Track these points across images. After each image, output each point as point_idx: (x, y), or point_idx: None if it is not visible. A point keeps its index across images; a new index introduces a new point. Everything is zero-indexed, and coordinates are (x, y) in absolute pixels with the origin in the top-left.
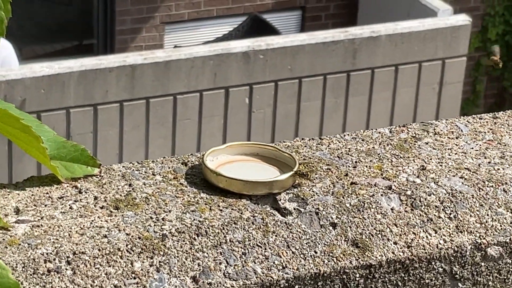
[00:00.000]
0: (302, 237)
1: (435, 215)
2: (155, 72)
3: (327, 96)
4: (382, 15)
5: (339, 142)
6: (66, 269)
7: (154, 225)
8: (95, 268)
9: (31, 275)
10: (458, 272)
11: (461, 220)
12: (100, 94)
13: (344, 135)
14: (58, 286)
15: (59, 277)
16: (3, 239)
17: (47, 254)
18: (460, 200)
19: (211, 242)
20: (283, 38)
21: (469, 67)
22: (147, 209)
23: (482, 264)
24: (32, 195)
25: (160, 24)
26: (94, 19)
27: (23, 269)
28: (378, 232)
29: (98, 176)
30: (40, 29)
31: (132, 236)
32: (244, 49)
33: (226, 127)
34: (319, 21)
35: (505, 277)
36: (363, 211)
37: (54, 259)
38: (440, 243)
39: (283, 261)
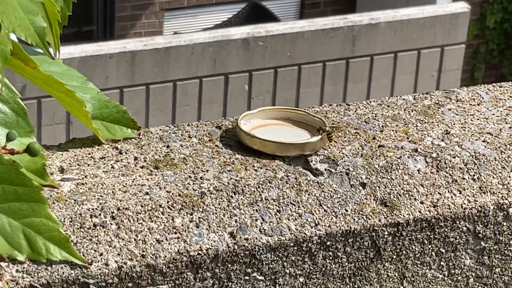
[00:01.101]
0: (333, 196)
1: (459, 176)
2: (155, 58)
3: (326, 83)
4: (381, 2)
5: (366, 108)
6: (111, 223)
7: (193, 184)
8: (138, 223)
9: (78, 229)
10: (481, 231)
11: (484, 181)
12: (100, 80)
13: (370, 102)
14: (104, 240)
15: (104, 231)
16: (50, 196)
17: (92, 209)
18: (483, 163)
19: (247, 200)
20: (282, 25)
21: (467, 55)
22: (185, 169)
23: (504, 223)
24: (75, 155)
25: (160, 11)
26: (94, 5)
27: (71, 223)
28: (405, 192)
29: (136, 138)
30: None
31: (172, 194)
32: (244, 35)
33: (225, 114)
34: (318, 8)
35: None
36: (391, 172)
37: (100, 214)
38: (464, 203)
39: (316, 218)
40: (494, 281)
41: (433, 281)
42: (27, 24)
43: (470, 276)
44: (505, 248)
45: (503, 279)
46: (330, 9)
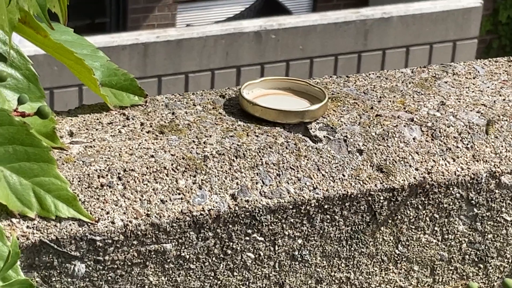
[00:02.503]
0: (331, 161)
1: (453, 145)
2: (167, 50)
3: None
4: None
5: (365, 80)
6: (117, 184)
7: (197, 148)
8: (144, 184)
9: (86, 188)
10: (474, 198)
11: (477, 150)
12: None
13: (369, 74)
14: (110, 199)
15: (111, 191)
16: (60, 157)
17: (100, 170)
18: (476, 132)
19: (248, 163)
20: (295, 18)
21: (480, 50)
22: (189, 134)
23: (496, 191)
24: (84, 120)
25: (173, 3)
26: None
27: (79, 183)
28: (401, 159)
29: (143, 105)
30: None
31: (176, 157)
32: (256, 28)
33: None
34: (331, 2)
35: None
36: (387, 139)
37: (107, 175)
38: (457, 171)
39: (314, 182)
40: (486, 247)
41: (427, 245)
42: None
43: (463, 242)
44: (497, 215)
45: (495, 245)
46: (343, 3)
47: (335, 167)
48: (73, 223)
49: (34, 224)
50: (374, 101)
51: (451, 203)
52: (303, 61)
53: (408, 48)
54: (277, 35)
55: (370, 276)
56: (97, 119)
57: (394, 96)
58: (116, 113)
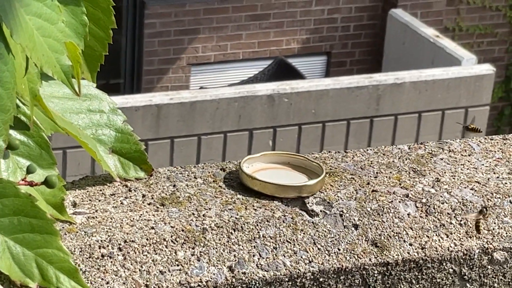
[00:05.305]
0: (327, 235)
1: (447, 221)
2: (180, 112)
3: (350, 141)
4: (407, 62)
5: (362, 155)
6: (118, 254)
7: (196, 220)
8: (143, 255)
9: (87, 258)
10: (466, 274)
11: (470, 227)
12: None
13: (367, 150)
14: (111, 269)
15: (111, 262)
16: (63, 227)
17: (101, 241)
18: (470, 209)
19: (246, 236)
20: (308, 82)
21: (492, 117)
22: (189, 207)
23: (489, 267)
24: (87, 191)
25: (187, 66)
26: (121, 59)
27: (80, 253)
28: (395, 234)
29: (146, 178)
30: None
31: (176, 229)
32: (269, 92)
33: None
34: (344, 67)
35: (510, 280)
36: (382, 215)
37: (108, 246)
38: (451, 246)
39: (310, 256)
40: None
41: None
42: (53, 61)
43: None
44: None
45: None
46: (356, 68)
47: (330, 241)
48: None
49: None
50: (370, 176)
51: (444, 278)
52: (315, 125)
53: (420, 114)
54: (289, 99)
55: None
56: (100, 190)
57: (390, 172)
58: (119, 185)
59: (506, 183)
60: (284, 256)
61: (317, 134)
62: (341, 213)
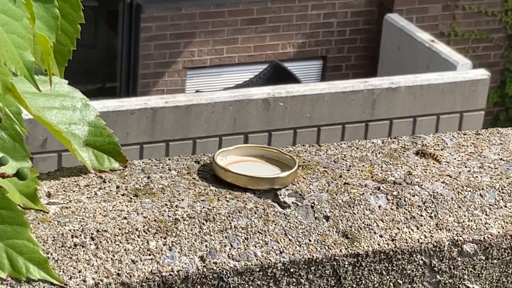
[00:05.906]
0: (298, 227)
1: (417, 213)
2: (175, 115)
3: None
4: (402, 67)
5: (336, 149)
6: (90, 244)
7: (168, 211)
8: (116, 245)
9: (59, 247)
10: (436, 265)
11: (440, 219)
12: (121, 135)
13: (341, 144)
14: (83, 258)
15: (83, 251)
16: (36, 217)
17: (74, 230)
18: (440, 202)
19: (218, 227)
20: (303, 86)
21: (487, 122)
22: (162, 198)
23: (459, 259)
24: (62, 182)
25: (183, 69)
26: (118, 62)
27: (53, 242)
28: (366, 226)
29: (120, 168)
30: (65, 71)
31: (148, 219)
32: (264, 96)
33: None
34: (340, 71)
35: (479, 272)
36: (353, 207)
37: (80, 235)
38: (421, 238)
39: (281, 246)
40: None
41: None
42: (17, 57)
43: None
44: (460, 282)
45: None
46: (351, 72)
47: (301, 232)
48: (44, 285)
49: (5, 285)
50: (343, 169)
51: (414, 270)
52: (310, 129)
53: (415, 118)
54: (285, 103)
55: None
56: (75, 181)
57: (363, 165)
58: (93, 176)
59: (477, 176)
60: (255, 247)
61: (312, 138)
62: (313, 205)
